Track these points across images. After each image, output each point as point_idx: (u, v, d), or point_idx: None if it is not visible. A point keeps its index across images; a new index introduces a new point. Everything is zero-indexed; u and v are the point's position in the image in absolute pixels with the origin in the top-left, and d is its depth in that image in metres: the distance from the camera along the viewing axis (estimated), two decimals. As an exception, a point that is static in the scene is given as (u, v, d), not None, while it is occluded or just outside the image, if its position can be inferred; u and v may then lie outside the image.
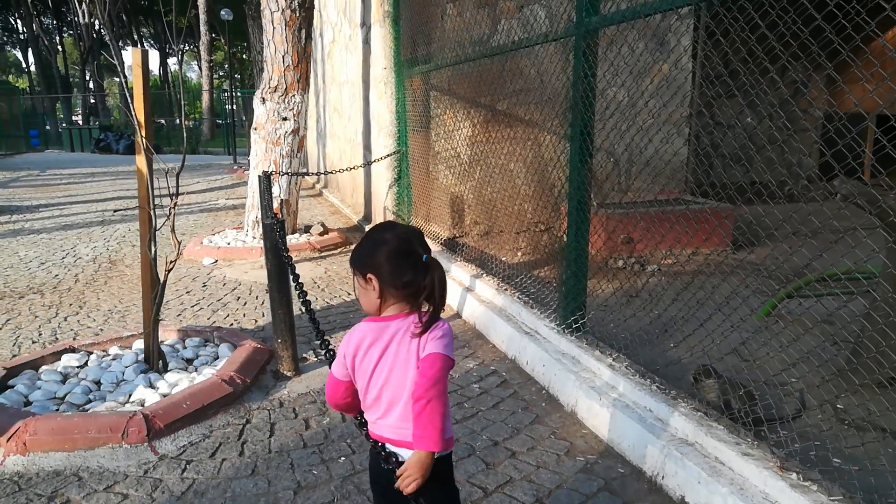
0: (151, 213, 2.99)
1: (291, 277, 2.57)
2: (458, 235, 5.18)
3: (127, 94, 2.92)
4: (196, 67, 49.61)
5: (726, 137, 8.28)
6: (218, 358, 3.21)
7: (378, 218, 6.43)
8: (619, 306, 3.62)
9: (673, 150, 5.99)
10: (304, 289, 2.43)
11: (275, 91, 5.72)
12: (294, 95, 5.75)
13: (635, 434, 2.28)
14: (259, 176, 5.40)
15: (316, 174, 6.25)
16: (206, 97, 33.36)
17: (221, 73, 43.50)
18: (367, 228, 6.48)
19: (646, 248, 5.01)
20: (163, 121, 33.63)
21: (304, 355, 3.35)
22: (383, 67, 5.80)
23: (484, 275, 4.06)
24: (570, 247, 2.94)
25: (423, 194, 5.55)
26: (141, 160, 3.00)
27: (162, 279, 2.98)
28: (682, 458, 2.05)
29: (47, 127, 30.98)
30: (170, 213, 3.01)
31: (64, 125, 30.83)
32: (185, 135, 3.31)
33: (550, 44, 3.40)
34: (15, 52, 47.09)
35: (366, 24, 6.44)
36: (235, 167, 14.36)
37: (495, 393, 2.91)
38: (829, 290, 3.50)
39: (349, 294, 4.49)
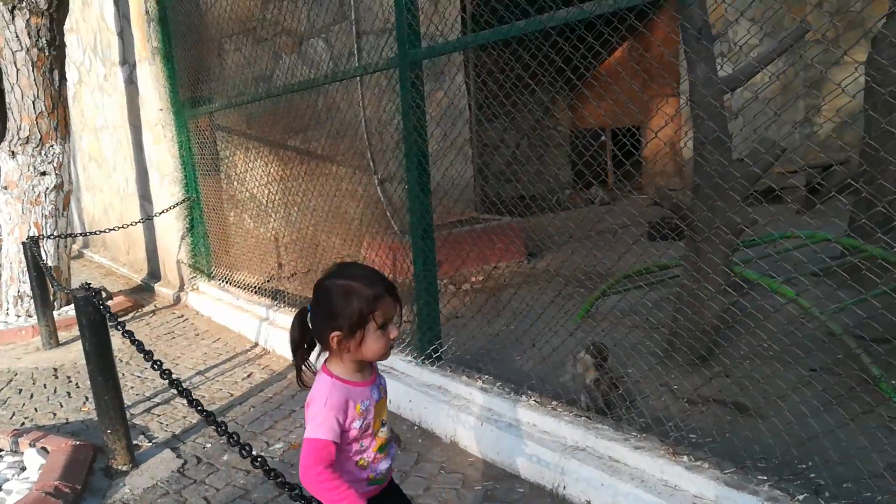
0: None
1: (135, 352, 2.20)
2: (270, 280, 4.90)
3: None
4: None
5: (494, 158, 9.00)
6: (25, 468, 2.63)
7: (170, 273, 5.84)
8: (459, 328, 3.71)
9: (461, 173, 6.33)
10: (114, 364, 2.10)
11: (27, 142, 4.92)
12: (52, 146, 5.01)
13: (526, 451, 2.34)
14: (23, 243, 4.64)
15: (89, 234, 5.48)
16: None
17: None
18: (157, 286, 5.88)
19: (453, 269, 5.20)
20: None
21: (136, 442, 2.90)
22: (159, 109, 5.31)
23: (316, 318, 3.88)
24: (419, 277, 2.94)
25: (222, 242, 5.17)
26: None
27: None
28: (579, 465, 2.15)
29: None
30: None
31: None
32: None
33: (337, 82, 3.39)
34: None
35: (127, 63, 5.85)
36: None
37: (367, 439, 2.79)
38: (633, 285, 3.95)
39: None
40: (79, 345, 3.13)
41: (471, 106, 6.81)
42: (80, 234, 4.95)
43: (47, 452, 2.70)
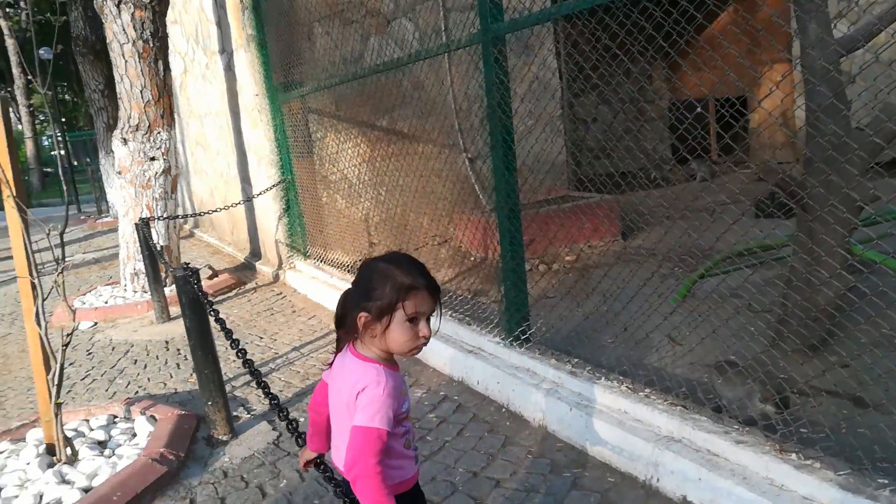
0: (35, 282, 2.57)
1: (225, 331, 2.29)
2: (361, 259, 4.98)
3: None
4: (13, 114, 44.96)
5: (590, 132, 8.72)
6: (136, 435, 2.82)
7: (269, 252, 6.08)
8: (548, 309, 3.63)
9: (551, 150, 6.17)
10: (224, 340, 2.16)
11: (137, 129, 5.22)
12: (160, 132, 5.29)
13: (617, 439, 2.26)
14: (136, 224, 4.94)
15: (195, 215, 5.78)
16: (29, 145, 30.36)
17: (43, 118, 39.79)
18: (258, 265, 6.14)
19: (543, 247, 5.09)
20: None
21: (235, 413, 3.04)
22: (255, 94, 5.48)
23: (406, 298, 3.91)
24: (506, 257, 2.89)
25: (316, 222, 5.30)
26: (13, 222, 2.57)
27: (59, 358, 2.56)
28: (674, 457, 2.05)
29: None
30: (56, 280, 2.61)
31: None
32: (64, 187, 2.87)
33: (422, 60, 3.34)
34: None
35: (226, 51, 6.08)
36: (83, 217, 13.10)
37: (454, 420, 2.78)
38: (734, 266, 3.72)
39: (260, 338, 4.15)
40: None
41: (561, 80, 6.61)
42: (186, 215, 5.22)
43: (156, 420, 2.87)
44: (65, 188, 2.89)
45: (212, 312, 2.37)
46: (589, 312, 3.47)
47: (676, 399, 2.25)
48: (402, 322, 1.27)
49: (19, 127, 32.37)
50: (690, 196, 6.34)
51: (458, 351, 3.17)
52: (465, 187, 5.49)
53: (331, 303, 4.64)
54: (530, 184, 5.67)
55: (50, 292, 2.59)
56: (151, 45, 5.17)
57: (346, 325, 1.33)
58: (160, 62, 5.26)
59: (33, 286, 2.58)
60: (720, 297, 3.53)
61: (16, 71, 28.58)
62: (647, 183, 7.43)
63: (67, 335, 2.58)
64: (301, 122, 5.25)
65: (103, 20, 5.17)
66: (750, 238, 4.05)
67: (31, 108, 31.40)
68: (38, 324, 2.58)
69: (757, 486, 1.82)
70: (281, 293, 5.28)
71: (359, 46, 5.30)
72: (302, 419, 2.95)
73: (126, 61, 5.17)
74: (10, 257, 2.77)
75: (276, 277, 5.68)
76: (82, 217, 13.17)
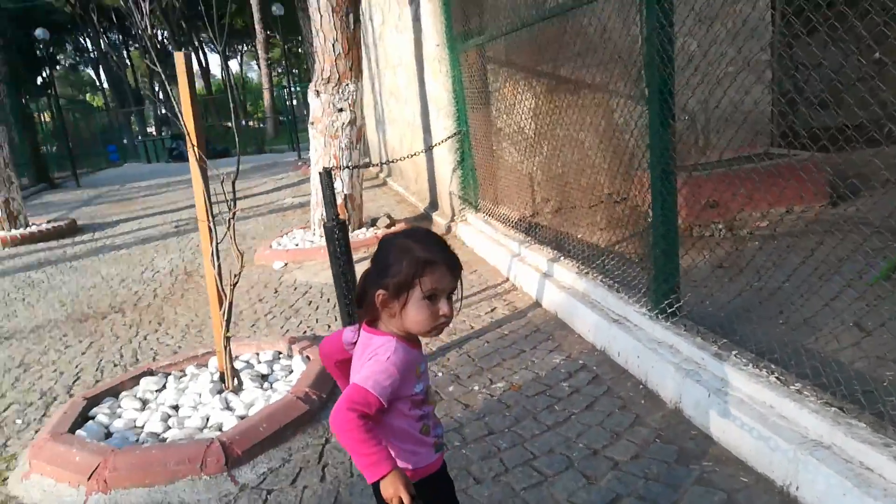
0: (211, 225, 2.88)
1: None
2: (529, 216, 4.90)
3: (174, 101, 2.80)
4: (256, 67, 50.64)
5: (810, 80, 7.58)
6: (292, 372, 3.09)
7: (444, 204, 6.23)
8: (714, 281, 3.28)
9: (753, 100, 5.47)
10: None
11: (328, 82, 5.57)
12: (347, 84, 5.58)
13: (756, 435, 1.99)
14: (319, 173, 5.32)
15: (376, 164, 6.08)
16: (266, 95, 34.00)
17: (280, 70, 44.23)
18: (434, 216, 6.32)
19: (732, 211, 4.59)
20: (229, 123, 34.54)
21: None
22: (436, 45, 5.54)
23: (562, 258, 3.79)
24: (657, 222, 2.64)
25: (488, 175, 5.30)
26: (195, 171, 2.88)
27: (228, 296, 2.87)
28: (819, 465, 1.76)
29: (124, 141, 32.27)
30: (229, 225, 2.89)
31: (139, 138, 32.07)
32: (237, 139, 3.15)
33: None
34: (88, 70, 49.31)
35: (414, 1, 6.19)
36: (300, 163, 14.45)
37: (587, 391, 2.66)
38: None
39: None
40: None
41: (774, 19, 5.77)
42: (367, 164, 5.49)
43: (309, 360, 3.13)
44: (237, 139, 3.14)
45: (346, 272, 2.48)
46: (757, 286, 3.08)
47: (832, 399, 1.92)
48: (420, 300, 1.22)
49: (261, 79, 36.38)
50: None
51: (603, 319, 3.01)
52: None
53: (495, 258, 4.65)
54: (719, 138, 5.11)
55: (224, 236, 2.88)
56: (343, -2, 5.42)
57: (366, 303, 1.30)
58: (350, 16, 5.50)
59: (210, 230, 2.89)
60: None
61: (258, 27, 31.96)
62: (880, 139, 6.32)
63: (235, 276, 2.87)
64: (477, 73, 5.21)
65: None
66: None
67: (270, 62, 35.04)
68: (213, 264, 2.90)
69: (914, 520, 1.51)
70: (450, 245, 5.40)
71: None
72: (440, 374, 3.03)
73: (321, 16, 5.48)
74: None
75: (449, 229, 5.81)
76: (299, 164, 14.54)
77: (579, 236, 4.15)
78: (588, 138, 4.37)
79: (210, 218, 2.90)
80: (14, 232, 8.39)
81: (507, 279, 4.28)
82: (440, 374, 3.02)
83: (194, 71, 2.97)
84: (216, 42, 3.30)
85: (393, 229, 5.90)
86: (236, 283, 2.89)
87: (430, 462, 1.35)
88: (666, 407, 2.44)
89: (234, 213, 2.91)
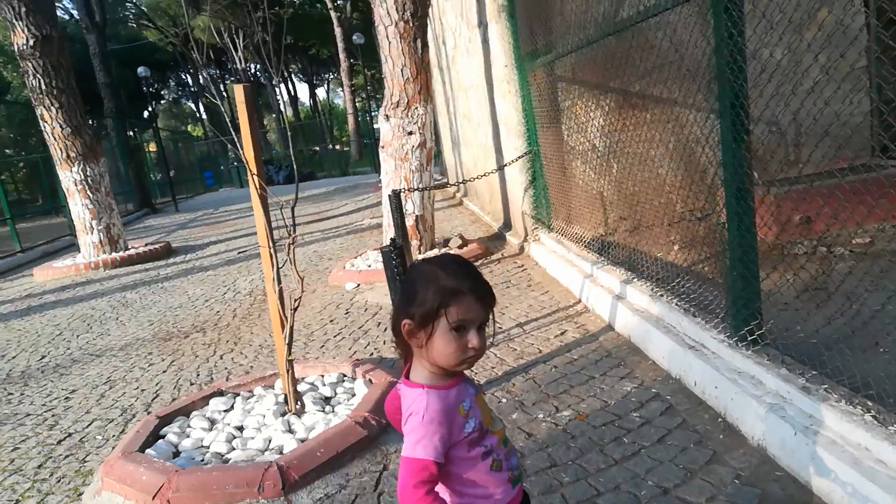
0: (272, 251, 2.92)
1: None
2: (601, 235, 4.73)
3: (232, 132, 2.88)
4: (341, 93, 52.41)
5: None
6: (354, 395, 3.07)
7: (517, 223, 6.13)
8: (802, 305, 3.02)
9: (850, 110, 5.09)
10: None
11: (397, 106, 5.62)
12: (416, 108, 5.61)
13: (850, 481, 1.78)
14: (388, 195, 5.36)
15: (449, 185, 6.06)
16: (351, 120, 35.12)
17: (363, 96, 45.63)
18: (507, 235, 6.23)
19: (828, 227, 4.25)
20: (317, 148, 35.86)
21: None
22: (504, 66, 5.49)
23: (635, 279, 3.61)
24: (734, 243, 2.45)
25: (560, 194, 5.16)
26: (255, 199, 2.94)
27: (289, 320, 2.89)
28: (922, 520, 1.54)
29: (221, 167, 33.98)
30: (288, 250, 2.92)
31: (234, 164, 33.74)
32: (294, 165, 3.20)
33: (683, 9, 2.93)
34: (189, 103, 52.58)
35: (482, 24, 6.17)
36: (378, 184, 14.70)
37: (660, 423, 2.49)
38: None
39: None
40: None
41: (869, 25, 5.37)
42: (438, 185, 5.48)
43: (371, 384, 3.10)
44: (295, 165, 3.18)
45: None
46: (856, 313, 2.80)
47: (939, 445, 1.69)
48: (447, 331, 1.14)
49: (343, 105, 37.57)
50: None
51: (678, 345, 2.82)
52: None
53: (566, 279, 4.51)
54: (813, 151, 4.76)
55: (285, 262, 2.92)
56: (411, 24, 5.48)
57: (395, 331, 1.24)
58: (418, 41, 5.55)
59: (270, 256, 2.93)
60: None
61: (342, 55, 33.18)
62: None
63: (296, 300, 2.89)
64: (546, 92, 5.11)
65: (371, 3, 5.62)
66: None
67: (353, 88, 36.19)
68: (274, 288, 2.93)
69: None
70: (522, 265, 5.29)
71: (614, 3, 4.94)
72: (504, 400, 2.92)
73: (390, 42, 5.56)
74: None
75: (521, 249, 5.70)
76: (378, 185, 14.80)
77: (655, 256, 3.95)
78: (660, 155, 4.17)
79: (271, 244, 2.94)
80: (114, 255, 8.93)
81: (580, 300, 4.13)
82: (504, 400, 2.91)
83: (283, 100, 3.05)
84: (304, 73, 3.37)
85: (464, 250, 5.85)
86: (296, 307, 2.90)
87: (510, 498, 1.26)
88: (748, 444, 2.24)
89: (293, 239, 2.94)
